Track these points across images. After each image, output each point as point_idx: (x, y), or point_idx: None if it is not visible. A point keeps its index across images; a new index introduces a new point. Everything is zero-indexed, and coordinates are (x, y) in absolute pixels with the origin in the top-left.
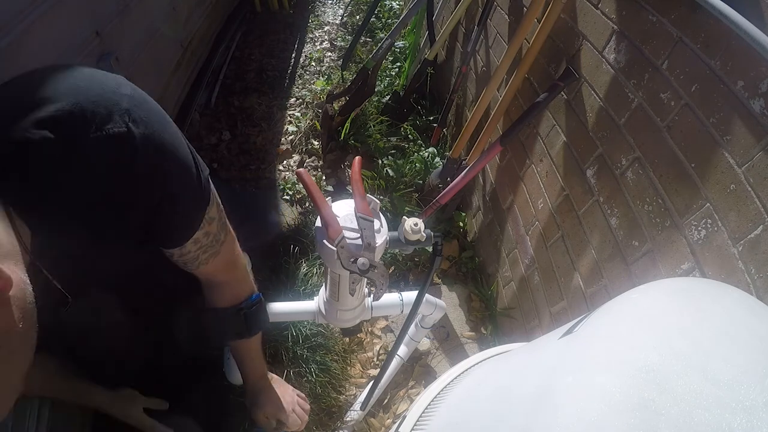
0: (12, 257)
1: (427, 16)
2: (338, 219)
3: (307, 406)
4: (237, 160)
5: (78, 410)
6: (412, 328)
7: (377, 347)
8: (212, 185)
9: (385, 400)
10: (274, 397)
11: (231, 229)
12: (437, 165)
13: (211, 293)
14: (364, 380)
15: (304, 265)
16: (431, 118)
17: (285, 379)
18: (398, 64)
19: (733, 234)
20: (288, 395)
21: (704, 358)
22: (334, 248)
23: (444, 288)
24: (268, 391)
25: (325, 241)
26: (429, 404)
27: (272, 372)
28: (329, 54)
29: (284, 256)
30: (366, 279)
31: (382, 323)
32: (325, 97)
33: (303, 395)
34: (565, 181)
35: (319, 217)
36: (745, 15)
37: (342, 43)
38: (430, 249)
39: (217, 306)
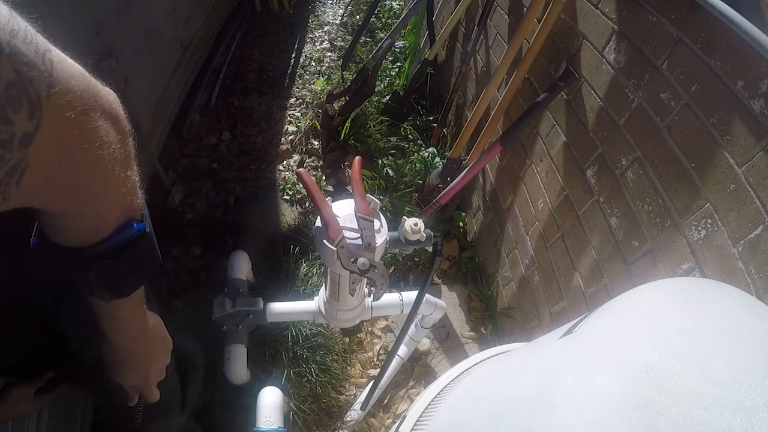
0: None
1: (427, 16)
2: (338, 219)
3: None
4: (237, 160)
5: (78, 409)
6: (412, 328)
7: (377, 347)
8: None
9: (385, 400)
10: (144, 365)
11: (66, 103)
12: (437, 165)
13: (49, 223)
14: (364, 380)
15: (304, 265)
16: (431, 118)
17: (285, 379)
18: (398, 64)
19: (733, 234)
20: (159, 360)
21: (704, 358)
22: (334, 248)
23: (444, 288)
24: (136, 358)
25: (325, 241)
26: (429, 404)
27: (273, 371)
28: (329, 54)
29: (284, 256)
30: (366, 279)
31: (382, 323)
32: (325, 97)
33: (167, 342)
34: (565, 181)
35: (319, 217)
36: (745, 15)
37: (342, 43)
38: (430, 249)
39: (56, 242)
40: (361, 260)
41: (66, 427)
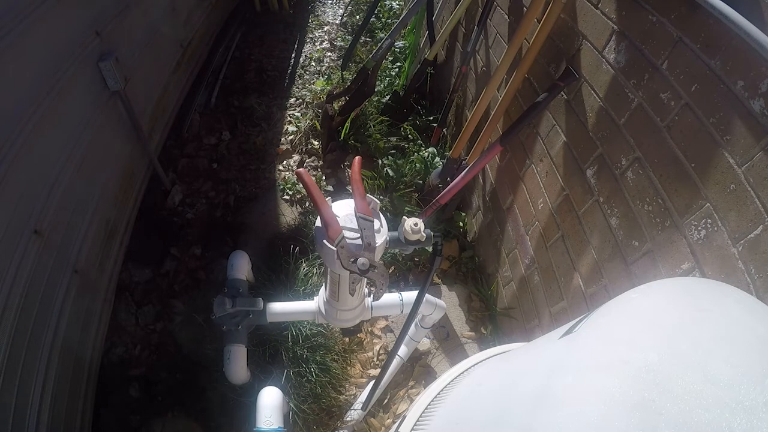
0: None
1: (427, 16)
2: (338, 219)
3: None
4: (237, 160)
5: (79, 406)
6: (412, 328)
7: (377, 347)
8: None
9: (385, 400)
10: None
11: None
12: (437, 165)
13: None
14: (364, 380)
15: (304, 265)
16: (431, 118)
17: (285, 379)
18: (398, 64)
19: (733, 234)
20: None
21: (704, 358)
22: (334, 248)
23: (444, 288)
24: None
25: (325, 241)
26: (429, 404)
27: (273, 371)
28: (329, 54)
29: (284, 256)
30: (366, 279)
31: (382, 323)
32: (325, 97)
33: None
34: (565, 181)
35: (319, 217)
36: (745, 15)
37: (342, 43)
38: (430, 249)
39: None
40: (361, 260)
41: (66, 427)
